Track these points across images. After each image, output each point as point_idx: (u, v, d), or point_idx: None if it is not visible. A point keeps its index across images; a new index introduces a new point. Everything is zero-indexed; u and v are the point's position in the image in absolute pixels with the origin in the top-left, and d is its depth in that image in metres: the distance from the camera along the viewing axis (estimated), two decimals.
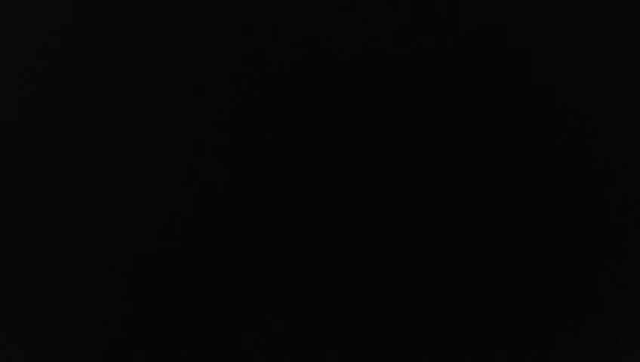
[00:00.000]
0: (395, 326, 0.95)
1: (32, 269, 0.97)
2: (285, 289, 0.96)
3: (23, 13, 0.99)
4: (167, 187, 0.97)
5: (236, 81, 0.97)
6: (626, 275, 0.97)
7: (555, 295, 0.96)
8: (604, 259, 0.97)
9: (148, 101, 0.97)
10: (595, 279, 0.97)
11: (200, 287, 0.96)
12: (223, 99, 0.97)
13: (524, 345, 0.96)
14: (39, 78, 0.98)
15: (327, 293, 0.96)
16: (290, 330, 0.96)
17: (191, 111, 0.97)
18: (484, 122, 0.97)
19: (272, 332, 0.96)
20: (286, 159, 0.97)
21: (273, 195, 0.96)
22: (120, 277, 0.96)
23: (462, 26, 0.97)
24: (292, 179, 0.96)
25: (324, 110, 0.97)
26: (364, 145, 0.97)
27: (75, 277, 0.96)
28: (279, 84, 0.97)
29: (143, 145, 0.97)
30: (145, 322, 0.96)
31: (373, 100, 0.97)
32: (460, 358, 0.95)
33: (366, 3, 0.98)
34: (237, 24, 0.98)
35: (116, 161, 0.97)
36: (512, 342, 0.96)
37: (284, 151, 0.97)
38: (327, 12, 0.98)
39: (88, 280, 0.96)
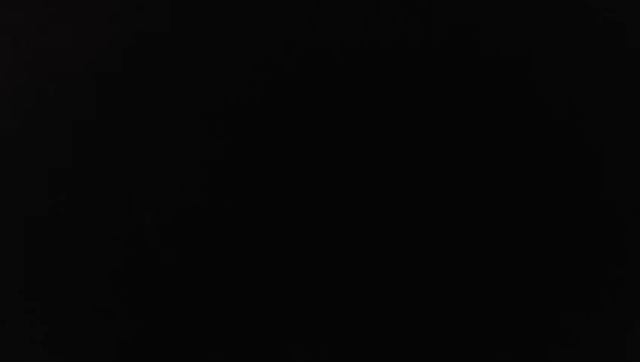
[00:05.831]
0: (395, 327, 0.95)
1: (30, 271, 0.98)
2: (285, 289, 0.96)
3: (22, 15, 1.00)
4: (167, 187, 0.97)
5: (232, 79, 0.98)
6: (628, 275, 0.96)
7: (557, 295, 0.95)
8: (606, 259, 0.96)
9: (146, 99, 0.97)
10: (598, 279, 0.96)
11: (199, 288, 0.96)
12: (220, 97, 0.97)
13: (527, 346, 0.95)
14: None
15: (326, 294, 0.95)
16: (289, 331, 0.95)
17: (188, 109, 0.97)
18: (483, 120, 0.97)
19: (271, 333, 0.96)
20: (283, 159, 0.97)
21: (272, 195, 0.97)
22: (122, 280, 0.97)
23: (459, 22, 0.98)
24: (291, 179, 0.97)
25: (321, 109, 0.97)
26: (362, 144, 0.97)
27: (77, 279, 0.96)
28: (277, 84, 0.97)
29: (140, 144, 0.97)
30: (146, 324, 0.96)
31: (372, 99, 0.97)
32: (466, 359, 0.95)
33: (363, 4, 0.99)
34: (236, 23, 0.98)
35: (115, 159, 0.97)
36: (514, 343, 0.95)
37: (283, 151, 0.97)
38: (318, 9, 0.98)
39: (92, 282, 0.97)
